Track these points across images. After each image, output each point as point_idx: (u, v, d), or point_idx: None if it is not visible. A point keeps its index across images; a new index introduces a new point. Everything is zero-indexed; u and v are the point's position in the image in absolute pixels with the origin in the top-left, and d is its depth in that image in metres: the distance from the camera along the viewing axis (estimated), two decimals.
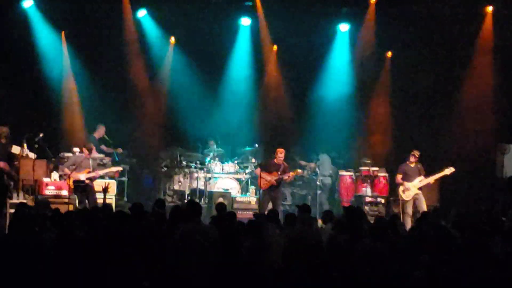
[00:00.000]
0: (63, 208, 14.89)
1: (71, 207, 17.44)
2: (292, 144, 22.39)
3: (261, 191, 19.37)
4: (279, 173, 19.24)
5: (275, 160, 19.47)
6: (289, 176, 19.53)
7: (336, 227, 12.30)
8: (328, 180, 22.02)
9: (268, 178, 19.20)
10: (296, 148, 22.47)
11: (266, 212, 15.90)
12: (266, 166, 19.55)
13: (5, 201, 17.69)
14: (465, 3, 21.65)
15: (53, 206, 15.05)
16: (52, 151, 20.42)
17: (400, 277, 10.38)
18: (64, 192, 18.52)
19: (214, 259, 10.53)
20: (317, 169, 21.55)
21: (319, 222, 14.62)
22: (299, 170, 20.32)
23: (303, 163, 21.96)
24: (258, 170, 19.69)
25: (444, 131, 22.79)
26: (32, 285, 9.88)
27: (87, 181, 18.09)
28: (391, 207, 20.74)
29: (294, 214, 13.48)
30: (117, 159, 21.11)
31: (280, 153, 19.44)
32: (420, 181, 19.58)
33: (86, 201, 17.96)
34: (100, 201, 17.00)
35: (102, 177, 18.89)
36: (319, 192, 21.31)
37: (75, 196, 18.15)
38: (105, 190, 15.85)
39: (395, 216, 15.28)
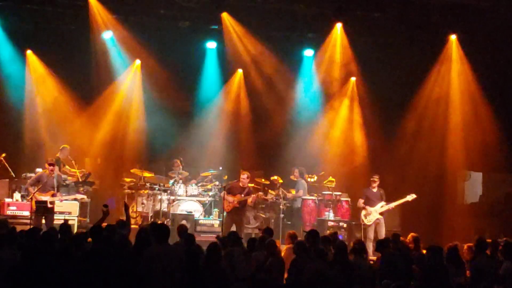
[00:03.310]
0: (22, 229, 14.71)
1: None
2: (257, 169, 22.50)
3: (224, 213, 19.38)
4: (242, 195, 19.28)
5: (239, 183, 19.52)
6: (252, 199, 19.59)
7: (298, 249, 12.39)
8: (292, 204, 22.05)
9: (231, 200, 19.24)
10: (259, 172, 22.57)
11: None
12: (231, 188, 19.59)
13: None
14: (429, 30, 21.87)
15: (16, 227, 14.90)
16: (14, 171, 20.30)
17: None
18: (26, 213, 18.40)
19: (181, 281, 10.56)
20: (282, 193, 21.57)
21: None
22: (260, 193, 20.36)
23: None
24: (223, 193, 19.77)
25: (406, 158, 22.94)
26: None
27: (50, 205, 17.89)
28: (353, 231, 20.82)
29: (256, 238, 13.57)
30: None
31: (243, 175, 19.51)
32: (382, 206, 19.73)
33: (43, 221, 17.72)
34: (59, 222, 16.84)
35: None
36: (282, 215, 21.33)
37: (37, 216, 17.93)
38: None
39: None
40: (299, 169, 22.21)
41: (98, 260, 10.76)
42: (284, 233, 18.96)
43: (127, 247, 11.61)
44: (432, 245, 12.76)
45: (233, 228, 18.78)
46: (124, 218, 17.86)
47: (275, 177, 22.10)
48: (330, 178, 22.21)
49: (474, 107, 22.39)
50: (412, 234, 14.76)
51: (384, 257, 12.88)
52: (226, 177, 22.27)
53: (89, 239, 12.21)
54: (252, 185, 21.07)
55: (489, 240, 13.83)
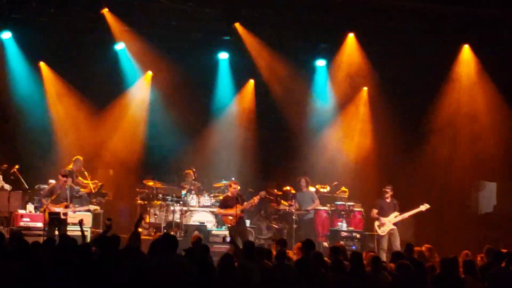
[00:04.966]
0: (35, 240, 14.70)
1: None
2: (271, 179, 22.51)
3: (229, 227, 19.35)
4: (241, 204, 19.21)
5: (229, 194, 19.50)
6: (253, 202, 19.52)
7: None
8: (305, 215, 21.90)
9: (232, 212, 19.14)
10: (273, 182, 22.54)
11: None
12: (225, 202, 19.54)
13: None
14: (441, 40, 21.83)
15: (27, 238, 14.88)
16: (28, 182, 20.35)
17: None
18: (39, 224, 18.42)
19: None
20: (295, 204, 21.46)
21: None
22: (262, 192, 20.07)
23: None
24: (218, 210, 19.74)
25: (420, 167, 22.88)
26: None
27: (63, 217, 17.93)
28: (366, 242, 20.76)
29: (264, 247, 13.52)
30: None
31: (235, 185, 19.47)
32: (396, 216, 19.68)
33: (56, 232, 17.77)
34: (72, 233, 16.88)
35: None
36: (295, 226, 21.24)
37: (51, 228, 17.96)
38: (80, 224, 15.57)
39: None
40: (305, 179, 21.90)
41: (105, 270, 10.76)
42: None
43: (136, 258, 11.60)
44: (446, 256, 12.69)
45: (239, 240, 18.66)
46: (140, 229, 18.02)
47: (288, 188, 22.05)
48: (343, 188, 22.19)
49: (488, 116, 22.32)
50: (426, 245, 14.69)
51: (398, 268, 12.81)
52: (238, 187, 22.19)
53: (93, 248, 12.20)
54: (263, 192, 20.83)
55: (504, 251, 13.72)
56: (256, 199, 19.59)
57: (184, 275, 10.63)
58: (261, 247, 13.84)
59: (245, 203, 19.32)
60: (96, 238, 14.64)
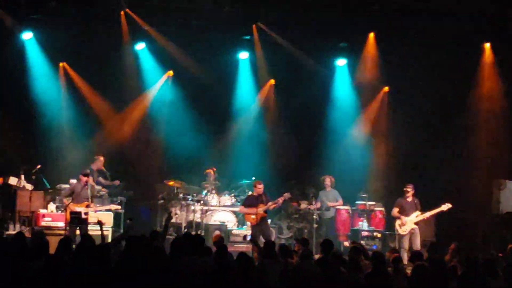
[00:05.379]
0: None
1: None
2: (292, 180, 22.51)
3: (250, 226, 19.34)
4: (264, 204, 19.22)
5: (254, 193, 19.49)
6: (277, 202, 19.52)
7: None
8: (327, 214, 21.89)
9: (255, 211, 19.15)
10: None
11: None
12: (249, 201, 19.54)
13: None
14: (462, 39, 21.73)
15: (48, 238, 14.95)
16: (49, 182, 20.44)
17: None
18: (61, 224, 18.50)
19: None
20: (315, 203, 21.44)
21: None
22: (286, 194, 20.10)
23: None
24: (241, 208, 19.73)
25: (441, 167, 22.79)
26: None
27: (84, 216, 18.01)
28: (387, 241, 20.70)
29: (289, 246, 13.47)
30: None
31: (259, 185, 19.45)
32: (417, 216, 19.59)
33: (77, 232, 17.86)
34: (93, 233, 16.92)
35: None
36: (315, 225, 21.22)
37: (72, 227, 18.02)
38: (100, 224, 15.56)
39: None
40: (330, 178, 21.99)
41: (129, 270, 10.76)
42: (318, 243, 18.94)
43: (159, 258, 11.58)
44: (468, 256, 12.63)
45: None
46: (158, 229, 18.02)
47: (308, 187, 22.04)
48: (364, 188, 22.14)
49: (510, 114, 22.22)
50: (453, 243, 14.59)
51: (415, 268, 12.77)
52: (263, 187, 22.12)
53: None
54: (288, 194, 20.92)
55: None
56: (280, 200, 19.60)
57: (212, 276, 10.65)
58: (285, 245, 13.74)
59: (269, 203, 19.32)
60: (116, 238, 14.67)
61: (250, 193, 20.11)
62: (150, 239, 13.18)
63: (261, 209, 19.14)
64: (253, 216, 19.20)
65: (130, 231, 14.12)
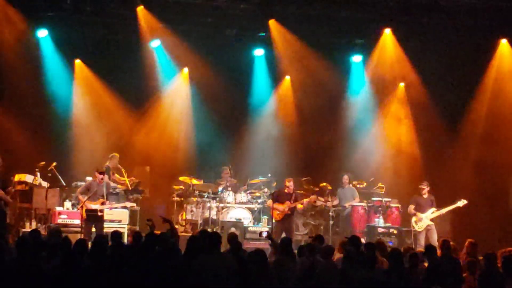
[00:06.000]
0: (74, 237, 14.76)
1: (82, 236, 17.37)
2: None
3: (273, 221, 19.30)
4: (291, 202, 19.20)
5: (285, 190, 19.43)
6: (302, 203, 19.50)
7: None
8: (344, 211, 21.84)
9: (281, 208, 19.14)
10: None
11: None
12: (278, 196, 19.48)
13: (5, 227, 17.77)
14: (478, 35, 21.64)
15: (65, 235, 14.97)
16: (65, 180, 20.49)
17: None
18: (76, 221, 18.55)
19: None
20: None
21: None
22: (312, 196, 20.18)
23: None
24: (269, 202, 19.68)
25: (458, 162, 22.70)
26: None
27: (100, 213, 18.03)
28: (403, 238, 20.64)
29: (310, 244, 13.37)
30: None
31: (289, 182, 19.41)
32: (433, 212, 19.57)
33: (93, 229, 17.89)
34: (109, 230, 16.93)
35: None
36: (331, 222, 21.17)
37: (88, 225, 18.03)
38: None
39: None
40: (348, 176, 22.04)
41: (147, 269, 10.76)
42: (334, 240, 18.92)
43: (176, 255, 11.57)
44: (487, 252, 12.58)
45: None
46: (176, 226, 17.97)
47: (324, 184, 22.02)
48: (380, 184, 22.11)
49: None
50: (469, 240, 14.54)
51: (430, 264, 12.74)
52: (275, 184, 22.12)
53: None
54: (301, 192, 21.00)
55: None
56: (305, 202, 19.59)
57: (232, 273, 10.63)
58: (311, 244, 13.63)
59: (296, 202, 19.30)
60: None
61: (281, 189, 19.90)
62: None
63: (287, 206, 19.14)
64: (277, 212, 19.18)
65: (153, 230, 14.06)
